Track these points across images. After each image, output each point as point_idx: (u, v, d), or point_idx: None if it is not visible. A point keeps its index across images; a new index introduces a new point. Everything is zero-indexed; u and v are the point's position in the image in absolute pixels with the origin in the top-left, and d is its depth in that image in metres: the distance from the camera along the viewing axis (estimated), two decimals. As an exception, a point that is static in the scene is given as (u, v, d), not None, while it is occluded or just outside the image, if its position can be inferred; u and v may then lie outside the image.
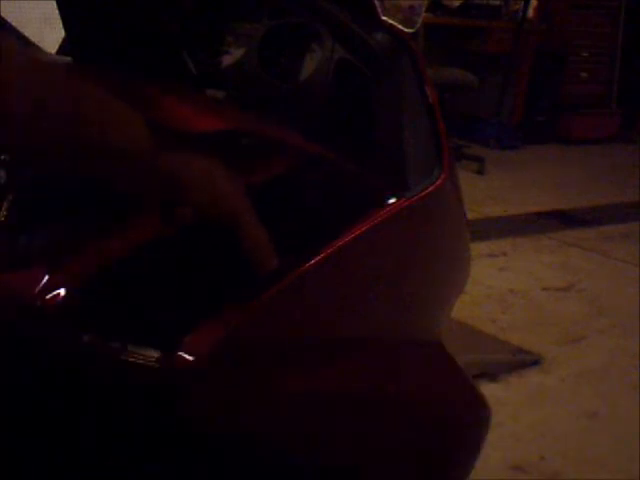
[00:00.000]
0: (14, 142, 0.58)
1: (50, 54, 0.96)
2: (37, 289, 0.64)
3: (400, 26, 0.96)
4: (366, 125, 0.87)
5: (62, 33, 0.86)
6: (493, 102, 5.75)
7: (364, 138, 0.87)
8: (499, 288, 3.23)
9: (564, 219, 4.31)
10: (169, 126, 0.67)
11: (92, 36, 0.80)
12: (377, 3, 0.92)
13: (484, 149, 5.56)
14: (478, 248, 3.55)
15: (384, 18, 0.93)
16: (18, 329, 0.64)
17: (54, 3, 0.78)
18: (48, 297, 0.63)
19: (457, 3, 5.69)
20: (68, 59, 0.87)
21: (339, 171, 0.81)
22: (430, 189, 0.92)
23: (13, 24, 0.92)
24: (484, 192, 4.61)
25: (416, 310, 0.97)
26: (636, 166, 5.39)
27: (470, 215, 1.18)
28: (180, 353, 0.65)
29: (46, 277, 0.63)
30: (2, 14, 0.87)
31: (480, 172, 5.07)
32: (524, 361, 2.63)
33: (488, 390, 2.24)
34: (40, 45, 0.95)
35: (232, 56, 0.85)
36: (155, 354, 0.64)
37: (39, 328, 0.64)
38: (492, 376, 2.50)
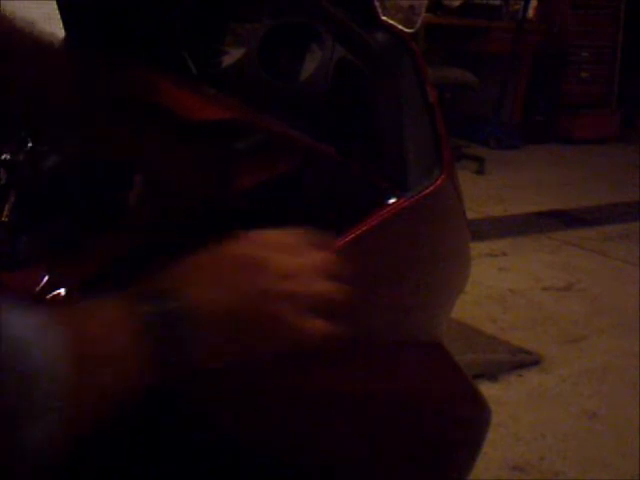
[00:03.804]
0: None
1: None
2: (37, 289, 0.64)
3: (400, 26, 0.96)
4: (366, 125, 0.87)
5: (62, 33, 0.86)
6: (493, 102, 5.75)
7: (364, 138, 0.87)
8: (499, 288, 3.23)
9: (564, 219, 4.31)
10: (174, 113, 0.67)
11: (92, 36, 0.80)
12: (377, 3, 0.92)
13: (484, 149, 5.56)
14: (478, 248, 3.54)
15: (384, 18, 0.93)
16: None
17: (55, 3, 0.78)
18: (48, 297, 0.64)
19: (457, 3, 5.69)
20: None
21: (339, 171, 0.81)
22: (430, 189, 0.92)
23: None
24: (484, 192, 4.61)
25: (416, 310, 0.97)
26: (636, 166, 5.39)
27: (470, 215, 1.18)
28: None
29: (46, 277, 0.63)
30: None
31: (480, 172, 5.06)
32: (524, 361, 2.63)
33: (488, 390, 2.25)
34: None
35: (232, 56, 0.85)
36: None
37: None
38: (492, 376, 2.50)
